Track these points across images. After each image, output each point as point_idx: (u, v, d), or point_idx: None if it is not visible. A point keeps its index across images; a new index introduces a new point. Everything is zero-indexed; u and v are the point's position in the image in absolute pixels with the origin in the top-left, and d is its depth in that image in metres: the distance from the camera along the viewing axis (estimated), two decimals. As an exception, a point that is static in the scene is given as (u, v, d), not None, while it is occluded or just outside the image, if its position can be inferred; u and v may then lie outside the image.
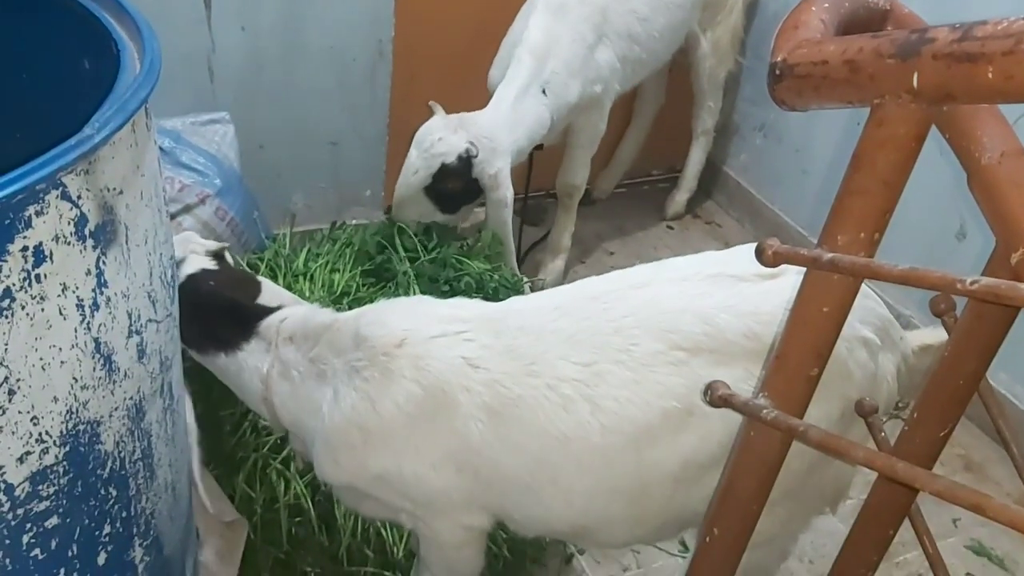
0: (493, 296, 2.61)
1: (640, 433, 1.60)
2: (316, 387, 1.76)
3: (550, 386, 1.61)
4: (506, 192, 2.86)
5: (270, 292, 1.94)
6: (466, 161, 2.78)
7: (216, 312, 1.89)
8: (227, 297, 1.90)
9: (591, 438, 1.61)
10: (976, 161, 1.19)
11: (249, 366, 1.85)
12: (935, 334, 1.84)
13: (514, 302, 1.79)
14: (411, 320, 1.70)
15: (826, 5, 1.24)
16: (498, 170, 2.82)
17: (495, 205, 2.90)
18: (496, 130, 2.83)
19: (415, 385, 1.63)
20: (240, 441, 2.16)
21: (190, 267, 1.95)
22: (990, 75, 0.91)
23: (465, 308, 1.75)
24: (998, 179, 1.18)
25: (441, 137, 2.79)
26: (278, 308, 1.88)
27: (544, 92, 2.93)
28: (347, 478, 1.77)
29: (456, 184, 2.82)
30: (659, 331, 1.60)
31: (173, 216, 2.58)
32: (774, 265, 1.23)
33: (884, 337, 1.70)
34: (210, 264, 1.98)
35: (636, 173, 4.11)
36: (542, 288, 3.00)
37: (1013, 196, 1.16)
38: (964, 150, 1.21)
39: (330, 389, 1.72)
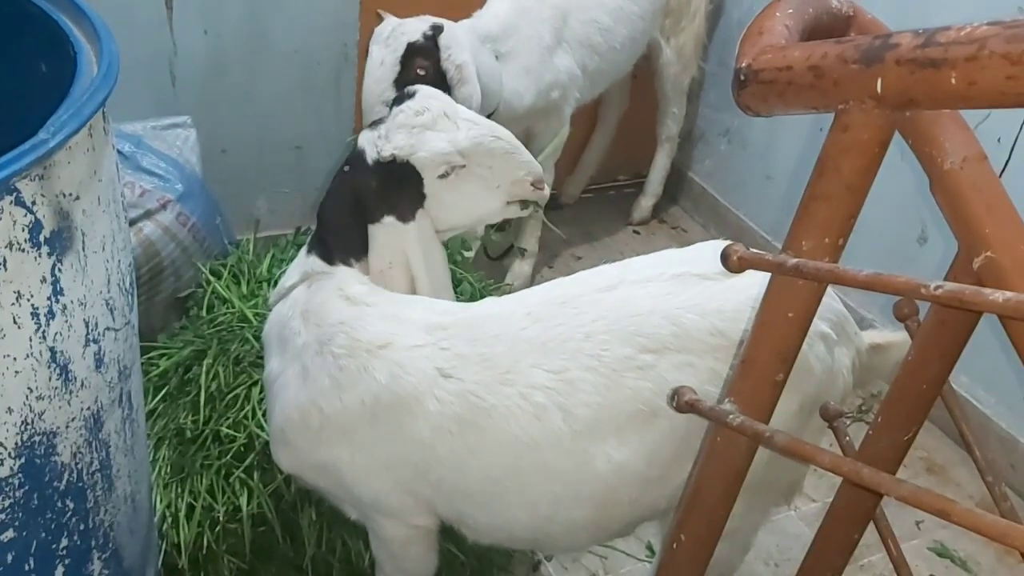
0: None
1: (610, 437, 1.62)
2: (289, 339, 1.75)
3: (523, 395, 1.61)
4: (473, 88, 2.64)
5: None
6: (432, 40, 2.61)
7: (332, 213, 1.78)
8: (343, 219, 1.76)
9: (563, 444, 1.61)
10: (939, 166, 1.20)
11: (298, 264, 1.83)
12: (884, 335, 1.88)
13: (489, 306, 1.78)
14: (399, 324, 1.69)
15: (790, 11, 1.24)
16: (464, 62, 2.63)
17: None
18: (458, 32, 2.68)
19: (386, 391, 1.63)
20: (202, 449, 2.13)
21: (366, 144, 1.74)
22: (953, 80, 0.91)
23: (449, 314, 1.74)
24: (960, 184, 1.19)
25: (401, 24, 2.64)
26: (344, 261, 1.77)
27: (496, 58, 2.86)
28: (292, 464, 1.78)
29: (425, 64, 2.61)
30: (628, 335, 1.61)
31: (133, 221, 2.54)
32: (740, 271, 1.23)
33: (840, 332, 1.72)
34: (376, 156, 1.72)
35: (603, 178, 4.12)
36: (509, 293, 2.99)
37: (975, 201, 1.17)
38: (926, 155, 1.22)
39: (299, 364, 1.71)
